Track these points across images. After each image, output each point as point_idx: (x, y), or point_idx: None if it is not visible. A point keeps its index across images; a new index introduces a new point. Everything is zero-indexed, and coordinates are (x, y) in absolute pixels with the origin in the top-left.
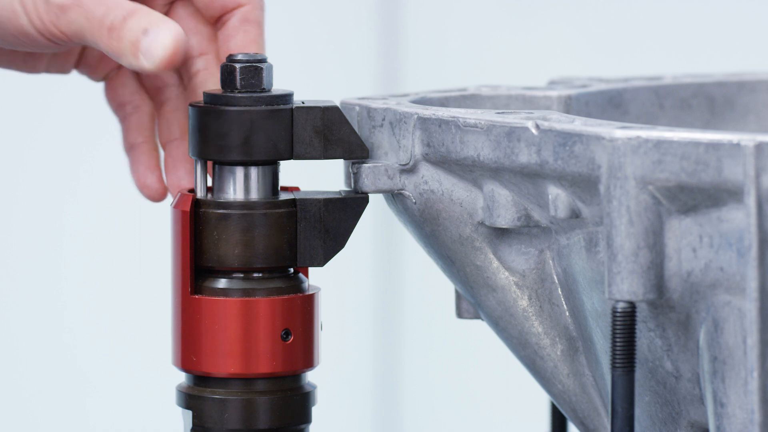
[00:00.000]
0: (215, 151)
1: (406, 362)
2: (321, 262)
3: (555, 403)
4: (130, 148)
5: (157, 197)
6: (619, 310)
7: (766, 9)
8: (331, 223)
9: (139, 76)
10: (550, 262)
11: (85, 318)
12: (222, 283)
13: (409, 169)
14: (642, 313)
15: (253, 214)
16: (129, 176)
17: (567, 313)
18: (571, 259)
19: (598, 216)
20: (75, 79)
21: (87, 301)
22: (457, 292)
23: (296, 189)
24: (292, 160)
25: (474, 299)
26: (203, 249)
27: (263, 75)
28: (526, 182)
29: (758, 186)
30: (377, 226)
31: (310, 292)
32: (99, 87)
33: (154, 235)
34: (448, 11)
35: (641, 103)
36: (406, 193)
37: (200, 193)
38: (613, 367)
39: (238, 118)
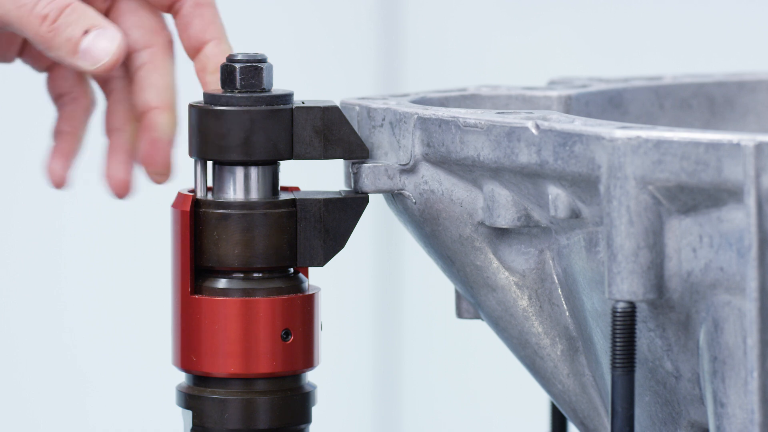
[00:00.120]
0: (215, 151)
1: (406, 362)
2: (321, 262)
3: (555, 403)
4: (55, 133)
5: (58, 184)
6: (619, 310)
7: (766, 9)
8: (331, 223)
9: None
10: (550, 262)
11: (85, 318)
12: (222, 283)
13: (409, 169)
14: (642, 313)
15: (253, 214)
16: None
17: (567, 313)
18: (571, 259)
19: (598, 216)
20: None
21: (87, 301)
22: (457, 292)
23: (296, 189)
24: (292, 160)
25: (474, 299)
26: (203, 249)
27: (263, 75)
28: (526, 182)
29: (758, 186)
30: (377, 226)
31: (310, 292)
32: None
33: (154, 235)
34: (448, 11)
35: (641, 103)
36: (406, 193)
37: (200, 193)
38: (613, 367)
39: (238, 118)
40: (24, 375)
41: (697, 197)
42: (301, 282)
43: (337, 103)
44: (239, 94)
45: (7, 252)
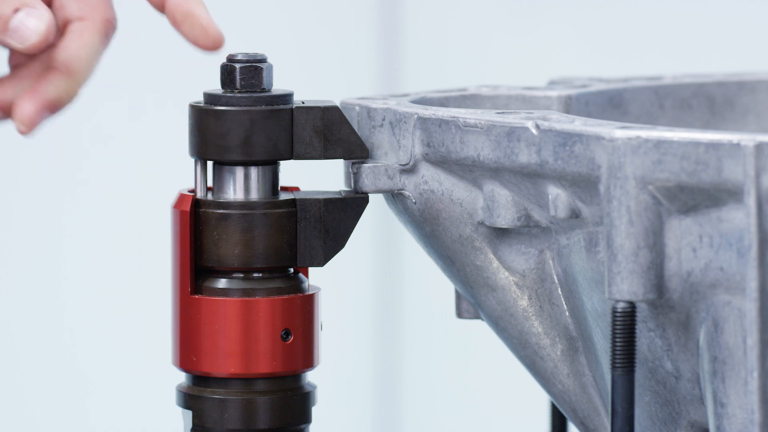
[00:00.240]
0: (215, 151)
1: (406, 362)
2: (321, 262)
3: (555, 403)
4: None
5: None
6: (619, 310)
7: (766, 9)
8: (331, 223)
9: None
10: (550, 262)
11: (85, 318)
12: (222, 283)
13: (409, 169)
14: (642, 313)
15: (253, 214)
16: (129, 177)
17: (567, 313)
18: (571, 259)
19: (598, 216)
20: None
21: (87, 301)
22: (457, 292)
23: (296, 189)
24: (292, 160)
25: (474, 299)
26: (203, 249)
27: (263, 75)
28: (526, 182)
29: (758, 186)
30: (377, 226)
31: (310, 292)
32: (99, 87)
33: (154, 235)
34: (448, 11)
35: (641, 103)
36: (406, 193)
37: (200, 193)
38: (613, 367)
39: (238, 118)
40: (24, 375)
41: (697, 197)
42: (301, 282)
43: (337, 103)
44: (239, 94)
45: (7, 252)
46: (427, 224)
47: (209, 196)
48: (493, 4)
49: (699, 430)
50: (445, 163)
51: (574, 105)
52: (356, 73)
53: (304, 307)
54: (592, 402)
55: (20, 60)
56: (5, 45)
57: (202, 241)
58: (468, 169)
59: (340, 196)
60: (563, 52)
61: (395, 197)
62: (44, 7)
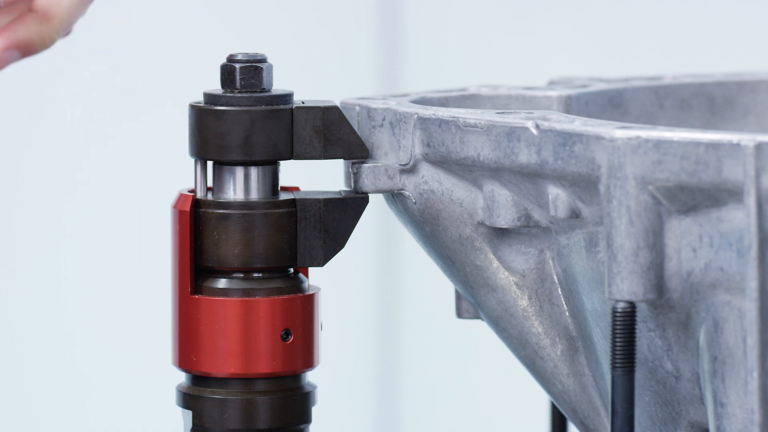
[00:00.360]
0: (215, 151)
1: (406, 362)
2: (321, 262)
3: (555, 403)
4: None
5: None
6: (619, 310)
7: (766, 9)
8: (331, 223)
9: None
10: (550, 262)
11: (85, 318)
12: (222, 283)
13: (409, 169)
14: (642, 313)
15: (253, 214)
16: (129, 177)
17: (567, 313)
18: (571, 259)
19: (598, 216)
20: (75, 79)
21: (87, 301)
22: (457, 292)
23: (296, 189)
24: (292, 160)
25: (474, 299)
26: (203, 249)
27: (263, 75)
28: (526, 182)
29: (758, 186)
30: (377, 226)
31: (310, 292)
32: (99, 87)
33: (154, 235)
34: (448, 11)
35: (641, 103)
36: (406, 193)
37: (200, 193)
38: (613, 367)
39: (238, 118)
40: (24, 375)
41: (697, 197)
42: (301, 282)
43: (337, 103)
44: (239, 94)
45: (7, 252)
46: (427, 224)
47: (209, 196)
48: (493, 4)
49: (699, 430)
50: (445, 163)
51: (574, 105)
52: (356, 73)
53: (304, 307)
54: (592, 402)
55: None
56: None
57: (202, 241)
58: (468, 169)
59: (340, 196)
60: (563, 52)
61: (395, 197)
62: None
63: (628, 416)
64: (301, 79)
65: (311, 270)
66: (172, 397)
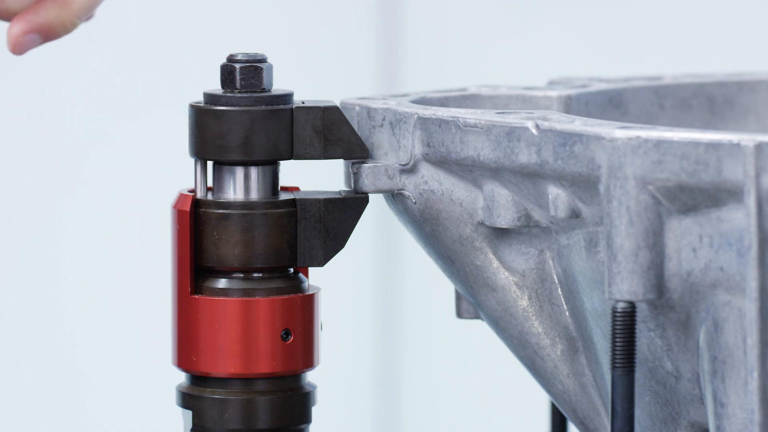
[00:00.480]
0: (215, 151)
1: (406, 362)
2: (321, 262)
3: (555, 403)
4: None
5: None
6: (619, 310)
7: (766, 9)
8: (331, 223)
9: None
10: (550, 262)
11: (85, 318)
12: (222, 283)
13: (409, 169)
14: (642, 313)
15: (253, 214)
16: (129, 177)
17: (567, 313)
18: (571, 259)
19: (598, 216)
20: (76, 79)
21: (87, 301)
22: (457, 292)
23: (296, 189)
24: (292, 160)
25: (474, 299)
26: (203, 249)
27: (263, 75)
28: (526, 182)
29: (758, 186)
30: (377, 226)
31: (310, 292)
32: (99, 87)
33: (154, 235)
34: (448, 11)
35: (641, 103)
36: (406, 193)
37: (200, 193)
38: (613, 367)
39: (238, 118)
40: (24, 375)
41: (697, 197)
42: (301, 282)
43: (337, 103)
44: (239, 94)
45: (7, 252)
46: (427, 224)
47: (209, 196)
48: (493, 4)
49: (699, 430)
50: (445, 163)
51: (574, 105)
52: (356, 73)
53: (304, 307)
54: (592, 402)
55: None
56: None
57: (202, 241)
58: (468, 169)
59: (340, 196)
60: (563, 52)
61: (395, 197)
62: None
63: (628, 416)
64: (301, 79)
65: (311, 270)
66: (172, 397)
